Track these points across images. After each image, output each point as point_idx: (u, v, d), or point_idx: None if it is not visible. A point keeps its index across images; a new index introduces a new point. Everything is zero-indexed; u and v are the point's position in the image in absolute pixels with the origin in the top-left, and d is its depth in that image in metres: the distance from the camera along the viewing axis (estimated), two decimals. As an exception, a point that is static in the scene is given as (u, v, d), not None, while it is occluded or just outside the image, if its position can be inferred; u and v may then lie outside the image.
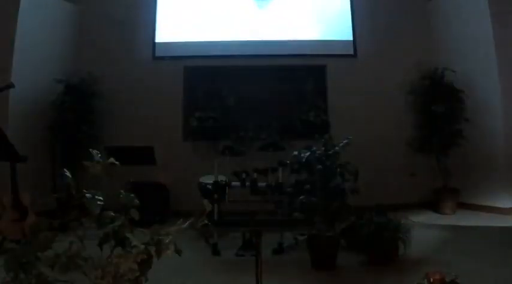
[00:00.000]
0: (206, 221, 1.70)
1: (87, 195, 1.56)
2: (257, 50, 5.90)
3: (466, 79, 5.26)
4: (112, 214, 1.60)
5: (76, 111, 5.24)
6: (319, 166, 3.43)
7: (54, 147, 4.88)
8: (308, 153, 3.53)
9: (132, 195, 1.68)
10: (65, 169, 1.67)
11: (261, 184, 3.95)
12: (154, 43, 5.97)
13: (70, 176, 1.62)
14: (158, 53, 5.96)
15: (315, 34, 5.97)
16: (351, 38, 5.97)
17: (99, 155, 1.69)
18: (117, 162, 1.69)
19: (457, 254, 3.39)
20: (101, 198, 1.58)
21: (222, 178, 4.14)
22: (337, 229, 3.43)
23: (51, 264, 1.47)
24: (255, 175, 3.95)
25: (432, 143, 5.29)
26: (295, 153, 3.63)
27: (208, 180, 4.27)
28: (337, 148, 3.51)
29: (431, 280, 2.37)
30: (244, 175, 3.94)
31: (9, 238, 3.54)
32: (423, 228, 4.13)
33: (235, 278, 3.03)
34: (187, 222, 1.67)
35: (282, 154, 4.23)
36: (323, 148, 3.51)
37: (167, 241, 1.59)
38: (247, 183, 3.93)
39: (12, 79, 4.38)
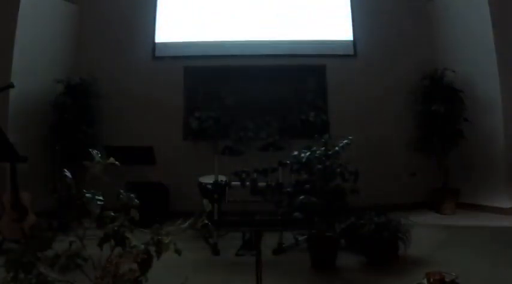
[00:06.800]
0: (206, 221, 1.70)
1: (87, 195, 1.56)
2: (257, 50, 5.90)
3: (466, 79, 5.26)
4: (112, 214, 1.60)
5: (76, 111, 5.24)
6: (319, 166, 3.42)
7: (54, 147, 4.88)
8: (308, 153, 3.52)
9: (132, 195, 1.67)
10: (65, 169, 1.66)
11: (261, 184, 3.95)
12: (154, 43, 5.97)
13: (70, 176, 1.62)
14: (158, 53, 5.96)
15: (315, 34, 5.97)
16: (351, 38, 5.98)
17: (99, 155, 1.68)
18: (117, 162, 1.69)
19: (457, 254, 3.39)
20: (101, 198, 1.58)
21: (222, 178, 4.14)
22: (337, 229, 3.44)
23: (51, 264, 1.47)
24: (255, 175, 3.94)
25: (432, 143, 5.29)
26: (295, 153, 3.63)
27: (208, 180, 4.27)
28: (337, 148, 3.50)
29: (431, 280, 2.37)
30: (244, 175, 3.94)
31: (9, 238, 3.55)
32: (423, 228, 4.13)
33: (235, 278, 3.03)
34: (187, 222, 1.67)
35: (282, 154, 4.23)
36: (323, 148, 3.51)
37: (167, 241, 1.59)
38: (247, 183, 3.92)
39: (12, 79, 4.39)
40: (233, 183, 4.05)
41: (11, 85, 4.03)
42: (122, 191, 1.67)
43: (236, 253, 3.61)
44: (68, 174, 1.62)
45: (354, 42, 5.96)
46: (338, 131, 4.99)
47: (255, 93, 5.87)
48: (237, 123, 5.66)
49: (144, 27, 5.96)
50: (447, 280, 2.37)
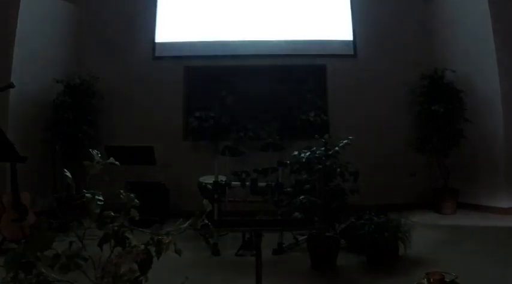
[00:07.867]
0: (206, 221, 1.70)
1: (87, 195, 1.56)
2: (257, 50, 5.90)
3: (466, 79, 5.26)
4: (112, 214, 1.60)
5: (76, 111, 5.24)
6: (319, 166, 3.42)
7: (54, 147, 4.88)
8: (308, 153, 3.52)
9: (132, 195, 1.67)
10: (65, 169, 1.66)
11: (261, 184, 3.95)
12: (154, 43, 5.98)
13: (70, 176, 1.61)
14: (158, 53, 5.97)
15: (315, 34, 5.97)
16: (351, 38, 5.98)
17: (99, 155, 1.68)
18: (117, 162, 1.69)
19: (457, 254, 3.39)
20: (101, 198, 1.58)
21: (222, 178, 4.15)
22: (337, 229, 3.44)
23: (51, 264, 1.47)
24: (255, 175, 3.95)
25: (432, 143, 5.29)
26: (295, 153, 3.63)
27: (208, 180, 4.27)
28: (337, 148, 3.50)
29: (431, 280, 2.37)
30: (244, 175, 3.94)
31: (9, 238, 3.55)
32: (423, 228, 4.13)
33: (235, 278, 3.03)
34: (187, 222, 1.67)
35: (282, 154, 4.23)
36: (323, 148, 3.51)
37: (167, 241, 1.59)
38: (247, 183, 3.93)
39: (12, 79, 4.39)
40: (233, 183, 4.05)
41: (11, 85, 4.03)
42: (121, 191, 1.67)
43: (236, 253, 3.61)
44: (68, 174, 1.62)
45: (354, 42, 5.97)
46: (338, 131, 4.99)
47: (255, 93, 5.88)
48: (237, 123, 5.67)
49: (144, 27, 5.97)
50: (447, 280, 2.36)
